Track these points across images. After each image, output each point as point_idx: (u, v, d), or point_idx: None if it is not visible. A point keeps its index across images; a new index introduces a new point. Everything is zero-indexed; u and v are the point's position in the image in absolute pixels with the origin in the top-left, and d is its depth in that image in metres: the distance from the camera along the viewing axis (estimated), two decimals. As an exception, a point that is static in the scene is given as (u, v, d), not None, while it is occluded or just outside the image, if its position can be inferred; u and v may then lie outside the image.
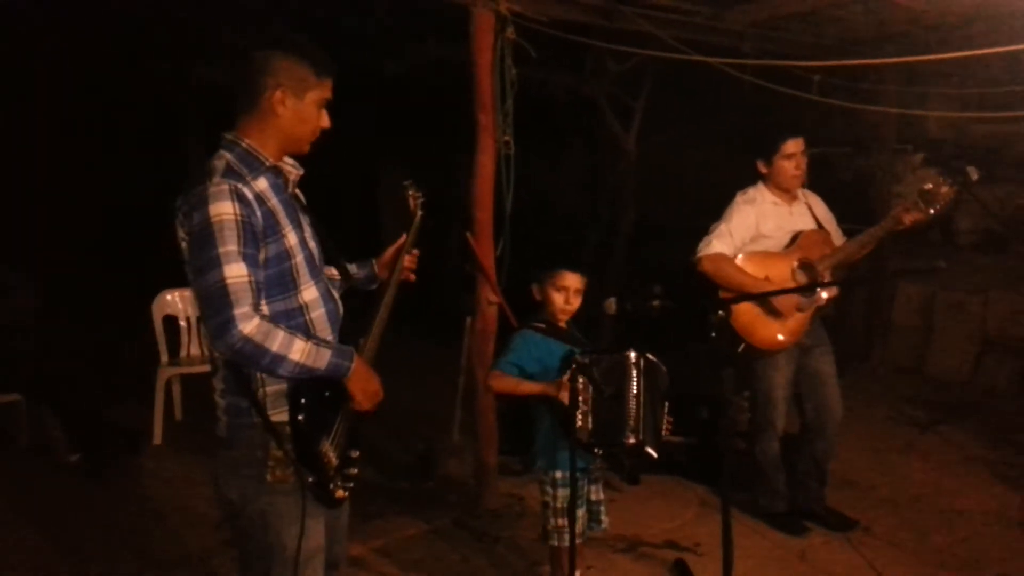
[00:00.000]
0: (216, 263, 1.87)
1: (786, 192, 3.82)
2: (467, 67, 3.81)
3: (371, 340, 2.25)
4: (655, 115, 7.46)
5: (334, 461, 2.07)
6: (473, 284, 4.04)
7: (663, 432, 2.89)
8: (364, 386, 2.12)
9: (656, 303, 2.79)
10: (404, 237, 2.51)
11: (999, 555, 3.68)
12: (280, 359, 1.92)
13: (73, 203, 7.67)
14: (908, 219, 3.51)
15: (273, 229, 2.00)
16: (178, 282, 5.24)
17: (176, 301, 5.19)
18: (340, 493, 2.12)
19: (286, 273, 2.03)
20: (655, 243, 7.58)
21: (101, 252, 7.98)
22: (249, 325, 1.87)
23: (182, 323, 5.20)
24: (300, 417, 1.98)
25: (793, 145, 3.74)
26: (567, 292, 2.99)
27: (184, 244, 1.96)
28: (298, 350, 1.94)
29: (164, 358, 5.08)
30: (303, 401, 1.99)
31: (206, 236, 1.88)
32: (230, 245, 1.88)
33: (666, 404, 2.92)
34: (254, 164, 2.02)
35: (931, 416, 5.60)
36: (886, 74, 5.94)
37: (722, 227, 3.77)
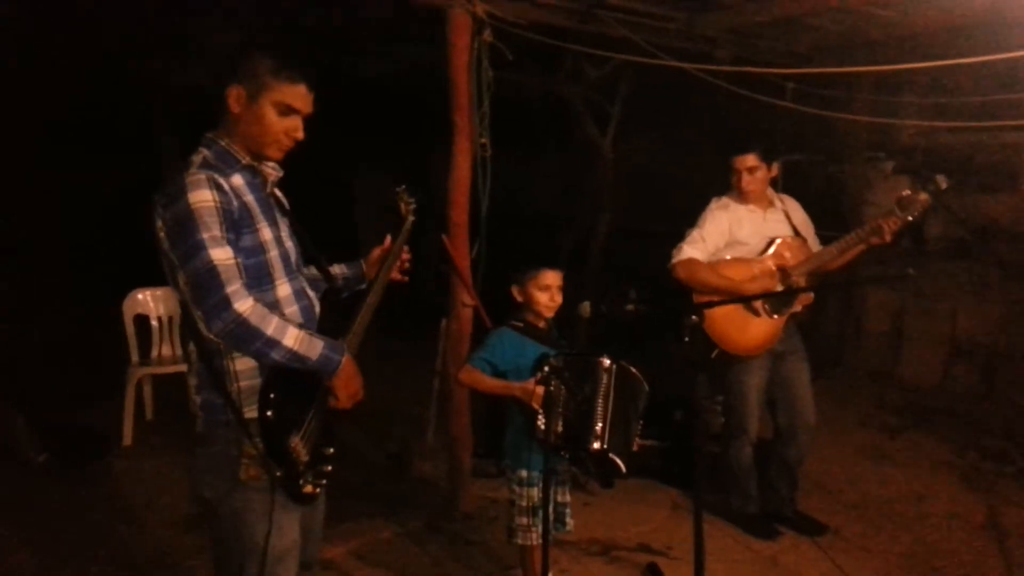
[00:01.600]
0: (201, 246, 1.88)
1: (754, 200, 3.85)
2: (443, 69, 3.81)
3: (351, 338, 2.24)
4: (631, 119, 7.50)
5: (304, 456, 2.06)
6: (448, 285, 4.04)
7: (635, 437, 2.90)
8: (348, 384, 2.11)
9: (631, 307, 2.81)
10: (388, 241, 2.52)
11: (966, 559, 3.73)
12: (273, 343, 1.93)
13: (45, 202, 7.56)
14: (886, 226, 3.53)
15: (248, 222, 2.02)
16: (150, 281, 5.20)
17: (147, 300, 5.12)
18: (309, 488, 2.10)
19: (261, 267, 2.05)
20: (631, 246, 7.62)
21: (72, 251, 7.87)
22: (245, 304, 1.90)
23: (153, 323, 5.14)
24: (269, 412, 1.97)
25: (738, 161, 3.77)
26: (551, 290, 3.02)
27: (163, 235, 1.95)
28: (292, 336, 1.96)
29: (135, 358, 5.01)
30: (272, 396, 1.98)
31: (187, 223, 1.89)
32: (213, 230, 1.91)
33: (641, 409, 2.93)
34: (230, 161, 2.05)
35: (901, 421, 5.68)
36: (858, 82, 6.01)
37: (695, 233, 3.80)
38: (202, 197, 1.91)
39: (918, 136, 6.77)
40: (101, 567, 3.55)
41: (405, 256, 2.56)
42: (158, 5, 4.86)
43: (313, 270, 2.39)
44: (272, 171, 2.16)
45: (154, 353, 5.13)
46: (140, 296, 5.10)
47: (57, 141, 7.66)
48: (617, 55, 4.68)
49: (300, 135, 2.11)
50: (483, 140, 3.88)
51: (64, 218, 7.84)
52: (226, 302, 1.88)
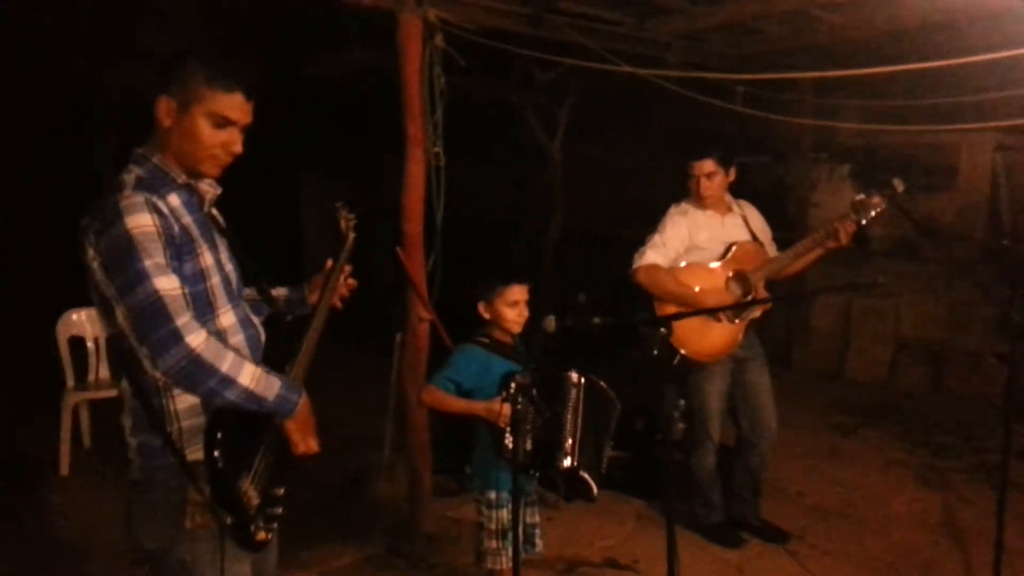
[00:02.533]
0: (143, 276, 1.69)
1: (712, 205, 3.82)
2: (395, 76, 3.69)
3: (297, 368, 2.05)
4: (580, 123, 7.48)
5: (255, 500, 1.88)
6: (403, 299, 3.91)
7: (603, 464, 2.82)
8: (304, 426, 1.94)
9: (598, 320, 2.73)
10: (330, 263, 2.33)
11: (930, 558, 3.76)
12: (229, 382, 1.75)
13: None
14: (843, 229, 3.54)
15: (188, 247, 1.84)
16: (85, 301, 4.93)
17: (83, 321, 4.86)
18: (262, 536, 1.93)
19: (201, 295, 1.86)
20: (581, 250, 7.60)
21: (2, 266, 7.49)
22: (197, 337, 1.71)
23: (89, 344, 4.89)
24: (215, 453, 1.77)
25: (696, 167, 3.74)
26: (519, 305, 2.92)
27: (96, 264, 1.75)
28: (248, 374, 1.78)
29: (70, 382, 4.76)
30: (219, 436, 1.78)
31: (126, 250, 1.70)
32: (156, 257, 1.72)
33: (610, 438, 2.86)
34: (164, 180, 1.86)
35: (852, 420, 5.75)
36: (803, 85, 6.08)
37: (656, 238, 3.75)
38: (141, 222, 1.72)
39: (859, 137, 6.90)
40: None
41: (349, 278, 2.38)
42: (95, 5, 4.64)
43: (252, 292, 2.22)
44: (209, 188, 1.96)
45: (91, 377, 4.87)
46: (75, 317, 4.85)
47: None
48: (567, 60, 4.63)
49: (238, 148, 1.91)
50: (436, 149, 3.77)
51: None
52: (176, 336, 1.69)
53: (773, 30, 5.09)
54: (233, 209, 2.16)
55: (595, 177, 7.90)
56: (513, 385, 2.67)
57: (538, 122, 7.29)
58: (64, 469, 4.62)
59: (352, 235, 2.39)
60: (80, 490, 4.44)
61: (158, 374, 1.73)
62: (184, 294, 1.75)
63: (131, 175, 1.83)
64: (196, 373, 1.71)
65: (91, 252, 1.75)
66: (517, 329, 2.95)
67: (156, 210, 1.76)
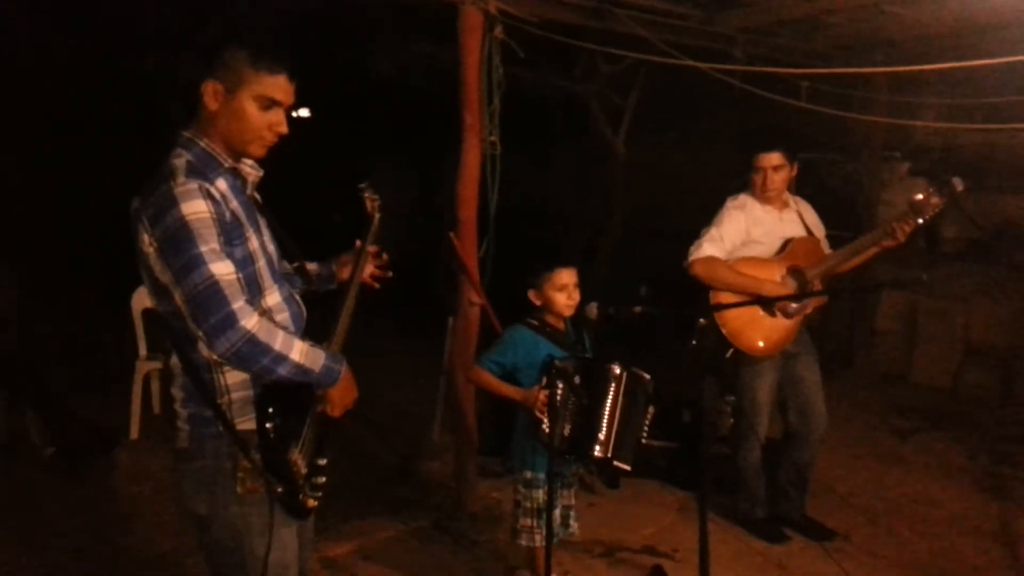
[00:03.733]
0: (200, 261, 1.77)
1: (772, 200, 3.81)
2: (455, 66, 3.78)
3: (336, 342, 2.15)
4: (645, 116, 7.45)
5: (303, 470, 1.99)
6: (456, 283, 4.01)
7: (642, 439, 2.87)
8: (346, 394, 2.05)
9: (639, 309, 2.77)
10: (359, 243, 2.39)
11: (976, 564, 3.69)
12: (282, 358, 1.85)
13: (54, 197, 7.59)
14: (900, 229, 3.50)
15: (239, 232, 1.91)
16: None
17: (156, 295, 5.11)
18: (311, 503, 2.04)
19: (251, 277, 1.94)
20: (643, 244, 7.58)
21: (82, 245, 7.90)
22: (252, 320, 1.80)
23: (163, 317, 5.14)
24: (268, 425, 1.88)
25: (764, 159, 3.72)
26: (567, 289, 3.00)
27: (152, 250, 1.82)
28: (298, 350, 1.89)
29: (142, 352, 5.02)
30: (271, 409, 1.89)
31: (183, 236, 1.77)
32: (211, 243, 1.79)
33: (650, 411, 2.90)
34: (212, 164, 1.93)
35: (912, 424, 5.62)
36: (875, 82, 5.94)
37: (713, 231, 3.75)
38: (196, 208, 1.79)
39: (934, 136, 6.71)
40: (105, 563, 3.55)
41: (384, 257, 2.45)
42: (164, 2, 4.85)
43: (287, 266, 2.28)
44: (252, 171, 2.05)
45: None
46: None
47: (65, 138, 7.68)
48: (631, 53, 4.64)
49: (284, 129, 1.97)
50: (492, 138, 3.85)
51: (74, 213, 7.87)
52: (232, 319, 1.78)
53: (841, 25, 4.99)
54: (305, 199, 2.24)
55: (659, 171, 7.86)
56: (553, 370, 2.75)
57: (602, 115, 7.30)
58: (134, 433, 4.89)
59: (378, 215, 2.43)
60: (148, 453, 4.70)
61: (215, 355, 1.82)
62: (239, 278, 1.83)
63: (181, 159, 1.87)
64: (252, 353, 1.81)
65: (147, 238, 1.82)
66: (567, 312, 3.02)
67: (210, 196, 1.82)
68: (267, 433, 1.89)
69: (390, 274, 2.48)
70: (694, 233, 3.79)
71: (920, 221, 3.51)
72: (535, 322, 3.06)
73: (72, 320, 6.91)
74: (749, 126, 6.34)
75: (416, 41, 5.70)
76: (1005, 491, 4.51)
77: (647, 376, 2.90)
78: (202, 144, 1.93)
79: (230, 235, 1.87)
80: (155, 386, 5.23)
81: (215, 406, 1.93)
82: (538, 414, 2.75)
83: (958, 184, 3.46)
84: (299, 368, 1.89)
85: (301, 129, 2.82)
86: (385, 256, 2.47)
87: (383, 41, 6.28)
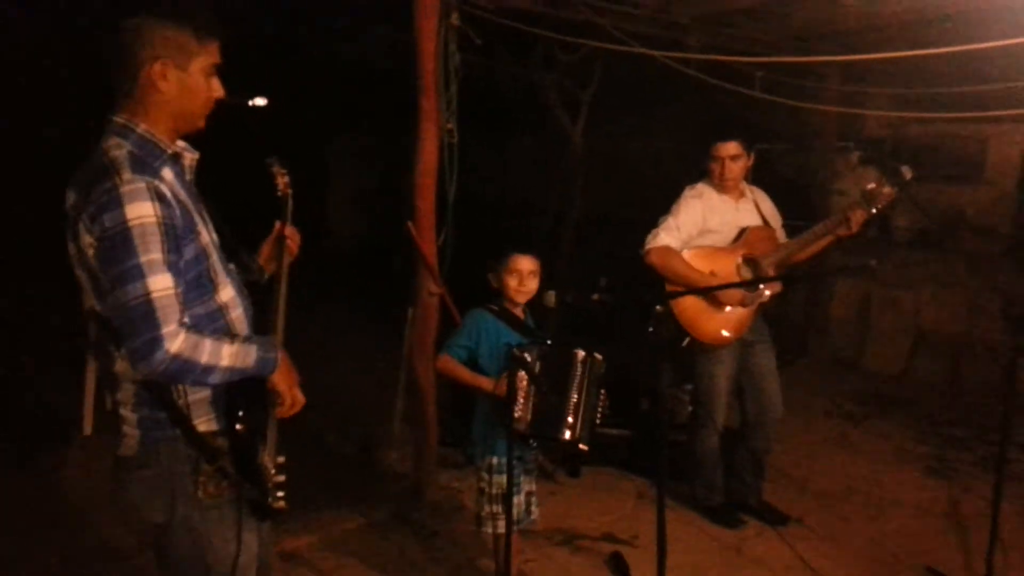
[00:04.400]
0: (138, 274, 1.66)
1: (729, 189, 3.84)
2: (411, 52, 3.74)
3: (276, 335, 2.05)
4: (603, 106, 7.47)
5: (271, 471, 1.93)
6: (415, 273, 3.98)
7: (597, 420, 2.90)
8: (286, 377, 1.96)
9: (596, 297, 2.79)
10: (279, 225, 2.26)
11: (928, 547, 3.77)
12: (210, 369, 1.76)
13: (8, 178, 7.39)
14: (853, 218, 3.56)
15: (189, 228, 1.81)
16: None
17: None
18: (280, 504, 1.97)
19: (203, 274, 1.85)
20: (602, 233, 7.61)
21: (36, 234, 7.69)
22: (177, 342, 1.69)
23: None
24: (239, 427, 1.83)
25: (721, 149, 3.75)
26: (520, 275, 2.99)
27: (91, 250, 1.71)
28: (227, 355, 1.79)
29: (94, 344, 4.90)
30: (240, 412, 1.84)
31: (123, 242, 1.66)
32: (153, 253, 1.67)
33: (602, 393, 2.92)
34: (155, 152, 1.81)
35: (865, 410, 5.74)
36: (828, 72, 6.03)
37: (670, 220, 3.77)
38: (143, 211, 1.67)
39: (886, 126, 6.82)
40: (57, 555, 3.47)
41: (294, 238, 2.28)
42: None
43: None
44: (188, 153, 1.94)
45: (115, 340, 5.02)
46: (100, 281, 4.99)
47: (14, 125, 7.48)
48: (586, 41, 4.64)
49: (222, 93, 1.92)
50: (449, 125, 3.82)
51: (25, 195, 7.65)
52: (158, 344, 1.66)
53: (795, 15, 5.04)
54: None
55: (617, 160, 7.89)
56: (516, 357, 2.74)
57: (560, 104, 7.30)
58: (87, 429, 4.77)
59: (289, 191, 2.27)
60: (101, 449, 4.58)
61: (139, 377, 1.75)
62: (177, 295, 1.72)
63: (121, 151, 1.75)
64: (179, 371, 1.73)
65: (87, 237, 1.71)
66: (520, 299, 3.01)
67: (159, 197, 1.71)
68: (237, 435, 1.84)
69: (295, 250, 2.29)
70: (652, 222, 3.81)
71: (873, 211, 3.57)
72: (495, 307, 3.06)
73: (26, 310, 6.73)
74: (706, 116, 6.39)
75: (376, 26, 5.63)
76: (953, 474, 4.63)
77: (600, 357, 2.92)
78: (140, 130, 1.81)
79: (180, 238, 1.76)
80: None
81: (174, 407, 1.84)
82: (500, 396, 2.75)
83: (907, 172, 3.53)
84: (231, 371, 1.80)
85: (259, 117, 2.71)
86: (298, 236, 2.30)
87: (344, 26, 6.20)
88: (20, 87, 7.33)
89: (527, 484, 3.11)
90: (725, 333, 3.75)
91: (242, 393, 1.86)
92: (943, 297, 6.55)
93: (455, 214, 3.98)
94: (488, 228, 5.34)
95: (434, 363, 3.71)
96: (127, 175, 1.70)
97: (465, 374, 2.93)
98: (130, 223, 1.67)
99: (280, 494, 1.98)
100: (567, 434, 2.79)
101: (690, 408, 4.46)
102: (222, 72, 1.93)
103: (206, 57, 1.86)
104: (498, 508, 3.00)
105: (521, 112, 8.25)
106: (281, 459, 2.02)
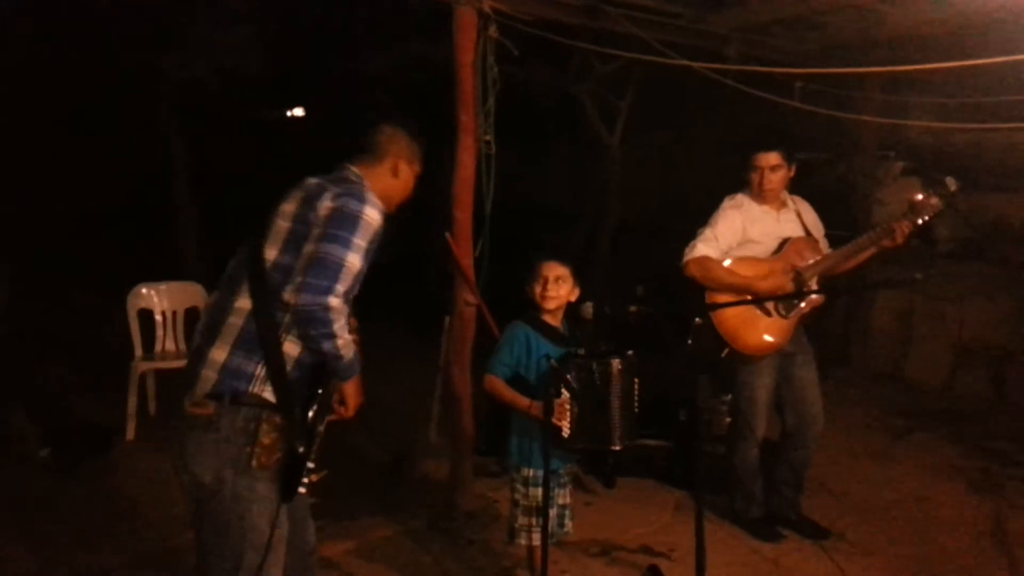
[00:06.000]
0: (348, 245, 2.14)
1: (770, 200, 3.81)
2: (449, 65, 3.78)
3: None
4: (640, 115, 7.47)
5: (312, 456, 2.25)
6: (452, 283, 4.01)
7: (635, 409, 2.93)
8: (356, 391, 2.35)
9: (634, 308, 2.79)
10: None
11: (969, 564, 3.70)
12: (332, 337, 2.15)
13: (47, 195, 7.57)
14: (899, 230, 3.52)
15: (375, 253, 2.29)
16: (153, 276, 5.20)
17: (152, 295, 5.12)
18: (313, 476, 2.27)
19: (357, 284, 2.27)
20: (638, 242, 7.59)
21: (76, 244, 7.88)
22: (337, 300, 2.12)
23: (157, 317, 5.14)
24: (313, 409, 2.19)
25: (761, 159, 3.72)
26: (545, 280, 3.00)
27: (325, 212, 2.18)
28: (344, 340, 2.19)
29: (138, 352, 5.01)
30: (320, 392, 2.21)
31: (353, 221, 2.17)
32: (364, 240, 2.18)
33: (636, 383, 2.92)
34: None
35: (907, 423, 5.64)
36: (869, 81, 5.96)
37: (708, 231, 3.75)
38: (374, 215, 2.21)
39: (928, 135, 6.73)
40: (102, 563, 3.53)
41: None
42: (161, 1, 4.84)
43: None
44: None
45: (157, 348, 5.13)
46: (144, 291, 5.10)
47: (60, 137, 7.66)
48: (623, 53, 4.64)
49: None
50: (487, 137, 3.85)
51: (67, 211, 7.85)
52: (329, 290, 2.09)
53: (834, 24, 5.00)
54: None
55: (656, 170, 7.88)
56: (556, 373, 2.76)
57: (597, 113, 7.31)
58: (130, 434, 4.88)
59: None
60: (144, 453, 4.68)
61: (293, 301, 2.11)
62: (359, 273, 2.20)
63: (363, 183, 2.37)
64: (319, 319, 2.11)
65: (327, 202, 2.20)
66: (548, 305, 3.03)
67: (383, 214, 2.27)
68: (308, 418, 2.19)
69: None
70: (691, 233, 3.79)
71: (919, 222, 3.53)
72: (532, 319, 3.07)
73: (68, 319, 6.89)
74: (745, 126, 6.35)
75: (409, 40, 5.70)
76: (997, 489, 4.53)
77: (631, 353, 2.93)
78: (367, 185, 2.37)
79: (375, 250, 2.26)
80: (151, 387, 5.22)
81: (248, 377, 2.15)
82: (556, 422, 2.76)
83: (952, 184, 3.48)
84: (337, 352, 2.19)
85: (297, 128, 2.97)
86: None
87: (378, 40, 6.28)
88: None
89: (561, 497, 3.12)
90: (765, 344, 3.72)
91: (316, 379, 2.24)
92: (987, 308, 6.42)
93: (492, 225, 4.00)
94: (524, 238, 5.36)
95: (466, 373, 3.90)
96: (368, 194, 2.29)
97: (509, 395, 2.96)
98: (364, 215, 2.20)
99: (306, 480, 2.26)
100: (618, 445, 2.85)
101: (728, 419, 4.43)
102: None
103: (419, 165, 2.56)
104: (532, 520, 3.01)
105: (558, 121, 8.28)
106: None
